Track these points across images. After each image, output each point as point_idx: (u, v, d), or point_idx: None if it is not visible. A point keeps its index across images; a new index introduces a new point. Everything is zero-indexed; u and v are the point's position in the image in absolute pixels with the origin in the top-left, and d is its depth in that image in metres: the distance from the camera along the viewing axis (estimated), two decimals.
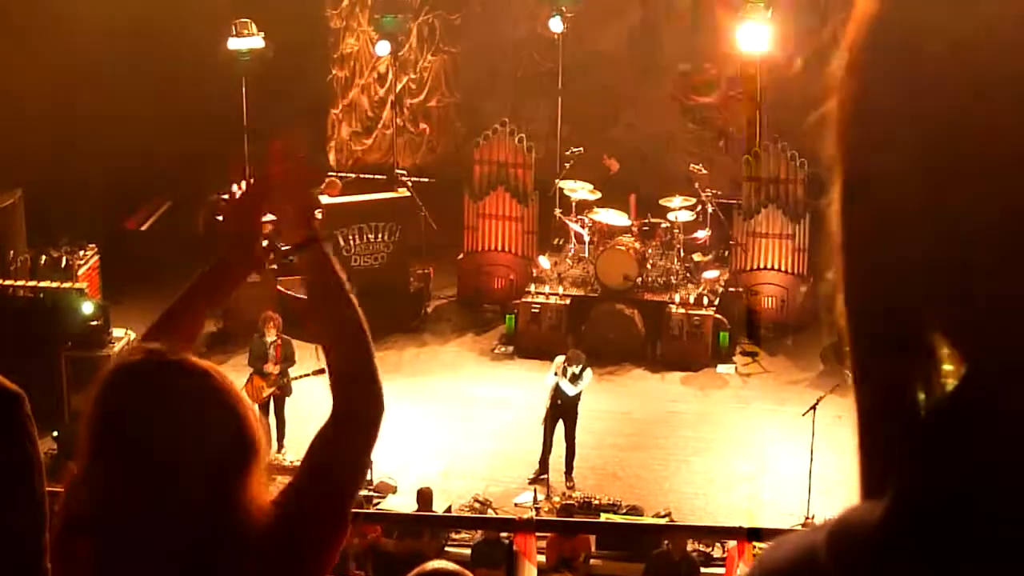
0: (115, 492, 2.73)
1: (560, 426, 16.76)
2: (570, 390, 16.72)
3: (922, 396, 1.07)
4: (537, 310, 19.79)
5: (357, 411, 3.07)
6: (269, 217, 3.40)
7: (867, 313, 1.10)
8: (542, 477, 16.69)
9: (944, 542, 1.04)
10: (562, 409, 16.77)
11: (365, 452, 3.13)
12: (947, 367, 1.06)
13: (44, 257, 19.16)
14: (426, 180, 23.35)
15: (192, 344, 3.23)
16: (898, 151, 1.04)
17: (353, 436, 3.06)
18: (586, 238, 20.42)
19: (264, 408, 16.80)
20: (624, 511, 15.56)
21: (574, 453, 16.83)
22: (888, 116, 1.05)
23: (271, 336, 17.04)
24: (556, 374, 16.77)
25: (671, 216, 20.10)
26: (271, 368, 16.97)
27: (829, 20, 21.97)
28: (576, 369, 16.79)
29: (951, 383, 1.06)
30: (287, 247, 3.36)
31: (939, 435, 1.05)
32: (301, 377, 16.66)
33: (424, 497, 15.01)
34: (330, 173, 22.53)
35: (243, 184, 20.18)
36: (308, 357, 16.58)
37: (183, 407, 2.76)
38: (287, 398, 17.07)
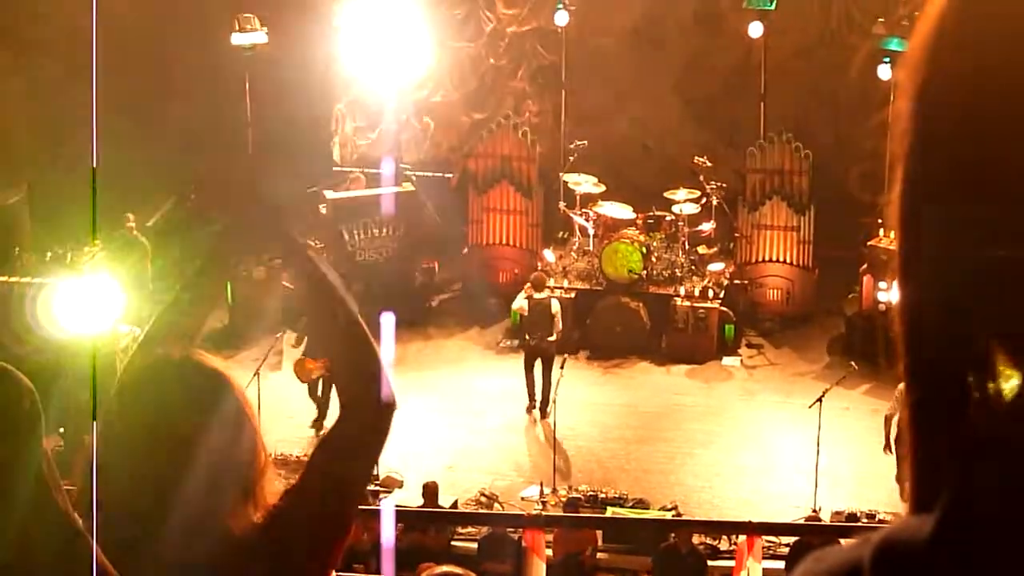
0: (124, 493, 2.74)
1: (539, 366, 17.73)
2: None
3: (978, 409, 1.04)
4: None
5: (360, 413, 3.01)
6: None
7: (923, 318, 1.08)
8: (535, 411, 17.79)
9: (994, 562, 1.01)
10: (539, 350, 17.59)
11: (369, 453, 3.07)
12: (1004, 380, 1.04)
13: (49, 253, 19.13)
14: (430, 174, 23.33)
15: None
16: (954, 155, 1.04)
17: (357, 438, 3.00)
18: (591, 231, 20.40)
19: (312, 387, 17.22)
20: (630, 504, 15.56)
21: (551, 389, 17.39)
22: (946, 127, 1.05)
23: None
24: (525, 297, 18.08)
25: (676, 209, 20.06)
26: None
27: (833, 7, 21.90)
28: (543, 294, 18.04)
29: (1008, 397, 1.03)
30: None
31: (994, 450, 1.02)
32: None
33: (430, 491, 15.01)
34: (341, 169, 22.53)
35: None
36: None
37: (191, 412, 2.77)
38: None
